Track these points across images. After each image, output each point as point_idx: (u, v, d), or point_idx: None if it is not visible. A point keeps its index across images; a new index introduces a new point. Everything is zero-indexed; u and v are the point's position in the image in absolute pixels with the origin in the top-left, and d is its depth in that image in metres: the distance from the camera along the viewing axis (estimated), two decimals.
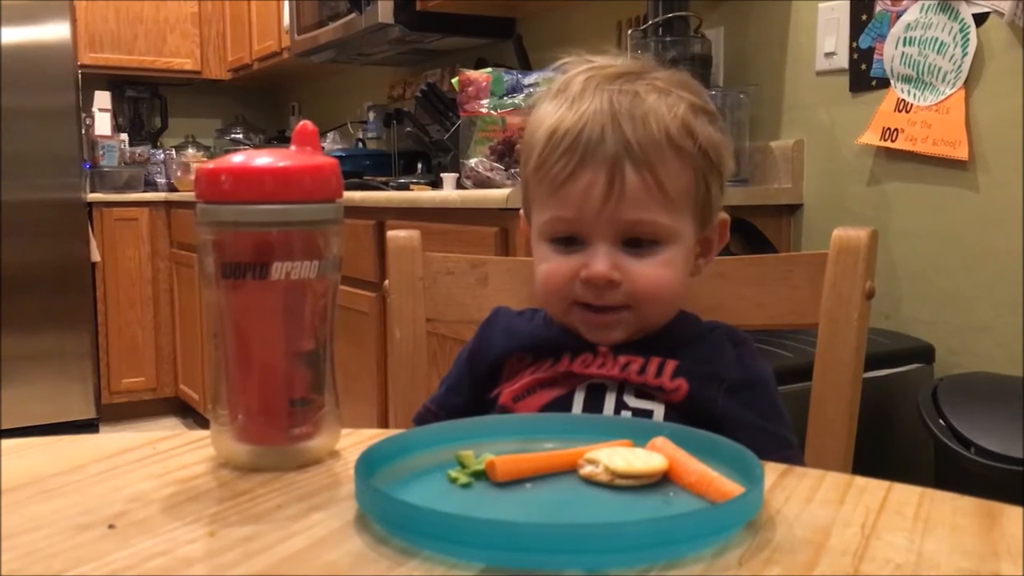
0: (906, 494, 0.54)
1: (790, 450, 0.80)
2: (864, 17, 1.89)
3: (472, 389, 0.88)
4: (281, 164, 0.60)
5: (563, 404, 0.80)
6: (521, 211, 0.90)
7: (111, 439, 0.67)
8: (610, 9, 2.46)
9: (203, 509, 0.53)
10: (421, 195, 2.29)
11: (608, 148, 0.76)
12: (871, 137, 1.87)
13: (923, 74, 1.78)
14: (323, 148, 0.65)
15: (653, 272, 0.79)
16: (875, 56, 1.87)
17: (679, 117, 0.79)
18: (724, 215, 0.87)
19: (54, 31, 3.65)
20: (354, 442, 0.65)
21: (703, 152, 0.79)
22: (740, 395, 0.79)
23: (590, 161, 0.77)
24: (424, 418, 0.89)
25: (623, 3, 2.38)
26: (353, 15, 2.97)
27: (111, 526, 0.50)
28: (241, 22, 4.22)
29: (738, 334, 0.85)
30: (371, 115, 3.71)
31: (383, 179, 2.90)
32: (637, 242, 0.79)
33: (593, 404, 0.80)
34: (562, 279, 0.80)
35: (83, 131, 3.84)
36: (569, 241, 0.80)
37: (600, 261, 0.78)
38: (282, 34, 3.76)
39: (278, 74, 4.37)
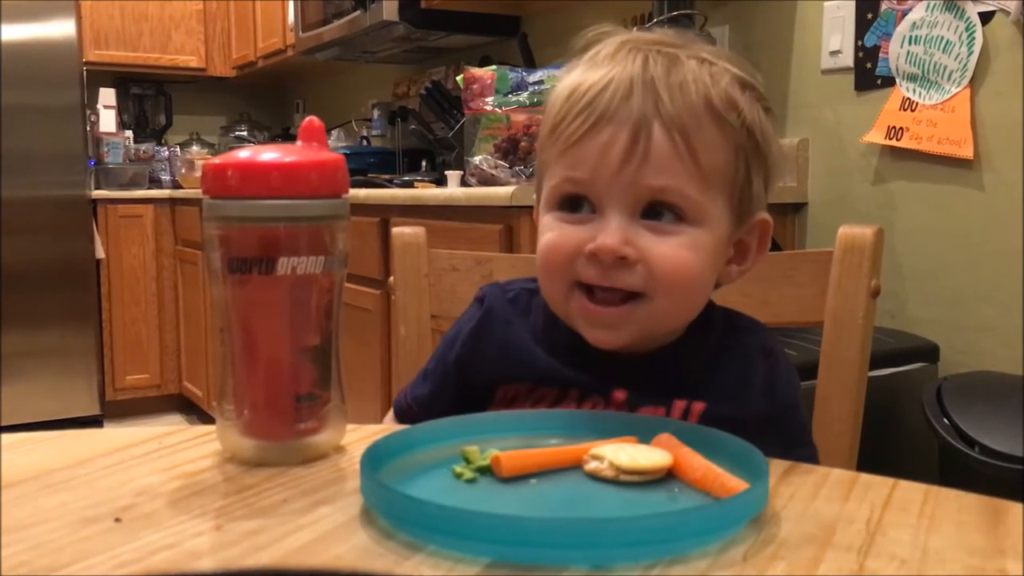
0: (911, 491, 0.54)
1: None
2: (870, 16, 1.89)
3: (459, 397, 0.78)
4: (287, 159, 0.60)
5: None
6: (534, 197, 0.79)
7: (117, 433, 0.68)
8: (615, 7, 2.46)
9: (209, 503, 0.53)
10: (425, 192, 2.29)
11: (635, 106, 0.66)
12: (876, 136, 1.87)
13: (928, 73, 1.78)
14: (328, 144, 0.64)
15: (674, 253, 0.67)
16: (880, 55, 1.87)
17: (722, 86, 0.68)
18: (766, 216, 0.73)
19: (59, 28, 3.66)
20: (359, 437, 0.66)
21: (748, 130, 0.69)
22: (767, 428, 0.70)
23: (612, 119, 0.66)
24: (407, 415, 0.82)
25: (628, 1, 2.38)
26: (358, 13, 2.97)
27: (118, 519, 0.50)
28: (246, 20, 4.22)
29: (768, 343, 0.76)
30: (375, 113, 3.71)
31: (387, 177, 2.90)
32: (658, 214, 0.67)
33: None
34: (565, 253, 0.68)
35: (88, 128, 3.85)
36: (578, 205, 0.69)
37: (611, 233, 0.66)
38: (287, 32, 3.76)
39: (283, 72, 4.37)
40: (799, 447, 0.75)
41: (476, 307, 0.81)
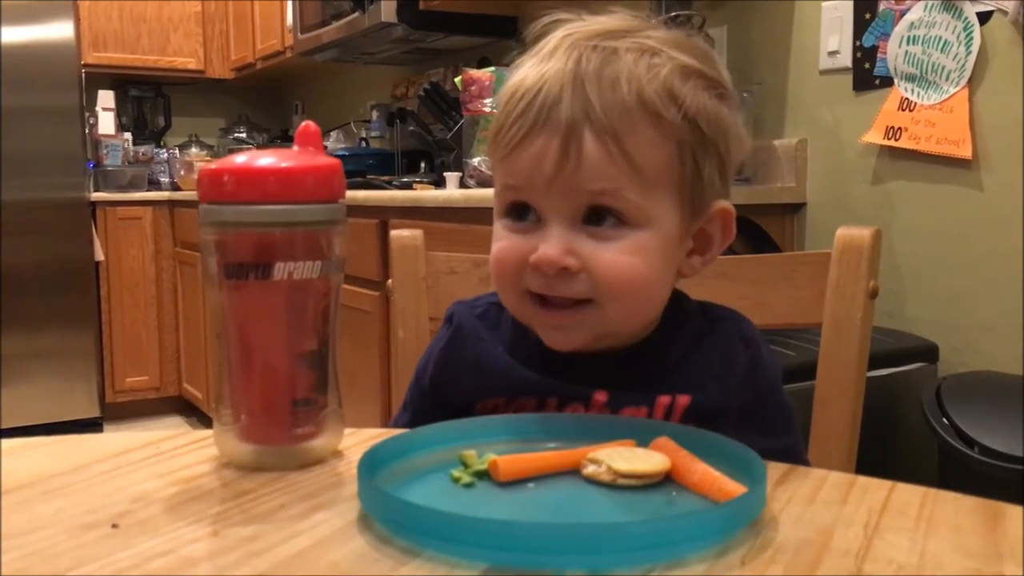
0: (909, 494, 0.54)
1: (796, 459, 0.77)
2: (868, 16, 1.89)
3: (440, 419, 0.71)
4: (283, 165, 0.60)
5: None
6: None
7: (114, 439, 0.67)
8: (614, 8, 2.46)
9: (206, 509, 0.53)
10: (424, 194, 2.29)
11: (563, 112, 0.64)
12: (875, 136, 1.87)
13: (927, 73, 1.78)
14: (326, 147, 0.64)
15: (618, 259, 0.66)
16: (879, 55, 1.87)
17: (660, 79, 0.65)
18: (726, 204, 0.72)
19: (58, 30, 3.66)
20: (357, 442, 0.65)
21: (691, 122, 0.66)
22: (750, 419, 0.72)
23: (544, 126, 0.65)
24: None
25: (628, 1, 2.38)
26: (356, 14, 2.97)
27: (115, 526, 0.50)
28: (244, 21, 4.22)
29: (747, 331, 0.75)
30: (374, 114, 3.71)
31: (386, 178, 2.90)
32: (600, 219, 0.66)
33: None
34: (512, 264, 0.68)
35: (87, 130, 3.85)
36: (521, 212, 0.69)
37: (551, 244, 0.65)
38: (285, 33, 3.76)
39: (281, 73, 4.37)
40: (784, 435, 0.75)
41: (445, 327, 0.80)
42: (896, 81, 1.83)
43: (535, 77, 0.66)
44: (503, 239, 0.70)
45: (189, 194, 3.92)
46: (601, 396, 0.70)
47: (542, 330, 0.70)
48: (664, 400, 0.70)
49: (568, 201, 0.66)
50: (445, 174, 2.51)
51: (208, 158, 4.21)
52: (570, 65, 0.65)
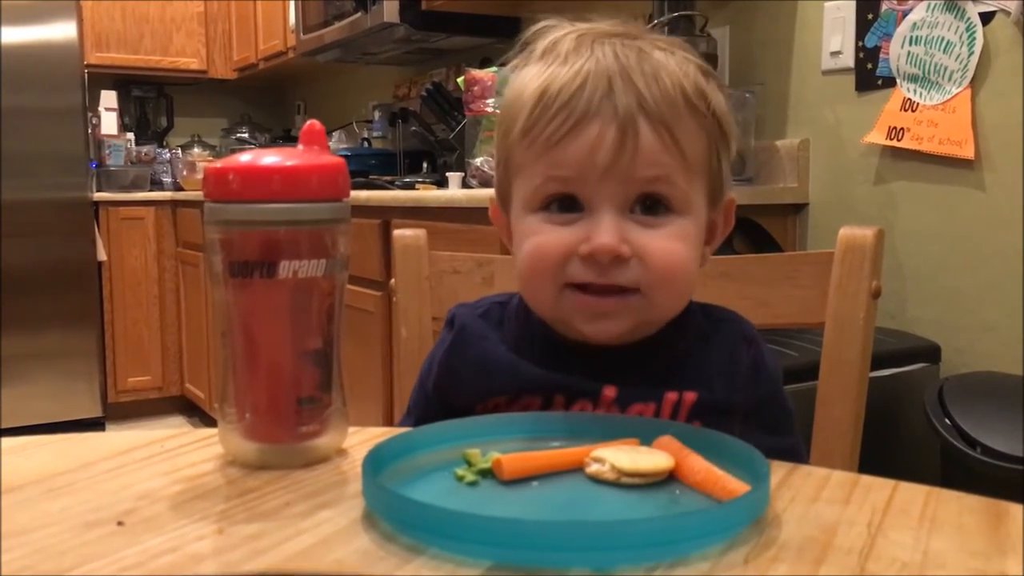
0: (912, 493, 0.54)
1: (799, 459, 0.77)
2: (870, 16, 1.89)
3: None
4: (288, 163, 0.60)
5: None
6: (493, 198, 0.78)
7: (119, 437, 0.68)
8: (616, 8, 2.46)
9: (211, 507, 0.53)
10: (426, 194, 2.29)
11: (619, 102, 0.65)
12: (877, 136, 1.87)
13: (929, 73, 1.78)
14: (329, 147, 0.64)
15: (667, 245, 0.67)
16: (881, 55, 1.87)
17: (691, 77, 0.69)
18: (732, 195, 0.76)
19: (61, 30, 3.66)
20: (361, 440, 0.66)
21: (716, 118, 0.70)
22: (753, 418, 0.73)
23: (596, 116, 0.65)
24: None
25: (629, 2, 2.38)
26: (359, 14, 2.97)
27: (120, 523, 0.50)
28: (247, 22, 4.23)
29: (749, 331, 0.77)
30: (376, 114, 3.71)
31: (388, 178, 2.90)
32: (651, 206, 0.67)
33: None
34: (556, 256, 0.67)
35: (89, 130, 3.85)
36: (565, 206, 0.68)
37: (605, 232, 0.65)
38: (288, 34, 3.76)
39: (284, 74, 4.37)
40: (787, 435, 0.77)
41: (447, 330, 0.80)
42: (898, 81, 1.83)
43: (569, 72, 0.67)
44: (542, 232, 0.68)
45: (191, 194, 3.93)
46: (610, 392, 0.70)
47: (582, 319, 0.69)
48: (672, 396, 0.71)
49: (620, 189, 0.66)
50: (447, 174, 2.51)
51: (210, 158, 4.22)
52: (610, 58, 0.67)
